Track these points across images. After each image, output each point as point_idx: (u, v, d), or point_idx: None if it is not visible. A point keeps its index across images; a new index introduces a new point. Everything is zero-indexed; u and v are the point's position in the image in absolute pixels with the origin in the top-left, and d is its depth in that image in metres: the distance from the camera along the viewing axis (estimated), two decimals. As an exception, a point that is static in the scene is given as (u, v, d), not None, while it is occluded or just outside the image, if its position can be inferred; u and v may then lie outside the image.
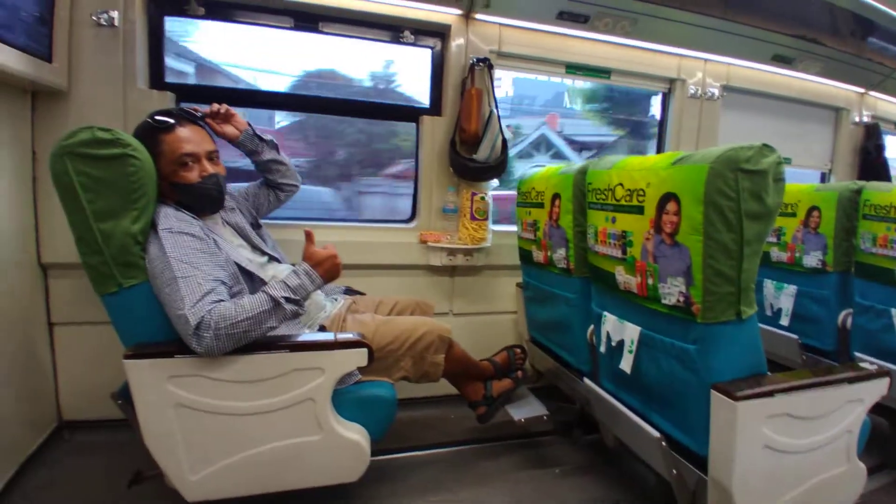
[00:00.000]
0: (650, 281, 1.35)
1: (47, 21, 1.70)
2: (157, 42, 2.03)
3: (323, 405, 1.36)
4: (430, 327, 1.62)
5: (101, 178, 1.20)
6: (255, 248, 1.62)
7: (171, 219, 1.31)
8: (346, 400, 1.44)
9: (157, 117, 1.41)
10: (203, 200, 1.46)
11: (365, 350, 1.37)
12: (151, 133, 1.38)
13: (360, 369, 1.45)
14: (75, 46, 1.82)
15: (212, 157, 1.47)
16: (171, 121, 1.41)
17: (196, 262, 1.25)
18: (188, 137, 1.42)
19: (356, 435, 1.42)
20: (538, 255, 2.03)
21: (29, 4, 1.58)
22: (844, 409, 1.34)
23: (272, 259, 1.66)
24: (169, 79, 2.08)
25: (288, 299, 1.29)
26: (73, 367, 2.00)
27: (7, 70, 1.48)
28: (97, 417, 1.98)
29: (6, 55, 1.46)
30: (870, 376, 1.36)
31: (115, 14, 1.84)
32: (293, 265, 1.72)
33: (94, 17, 1.82)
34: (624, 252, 1.44)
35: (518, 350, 2.06)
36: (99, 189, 1.20)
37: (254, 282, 1.45)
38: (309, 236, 1.45)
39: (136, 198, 1.25)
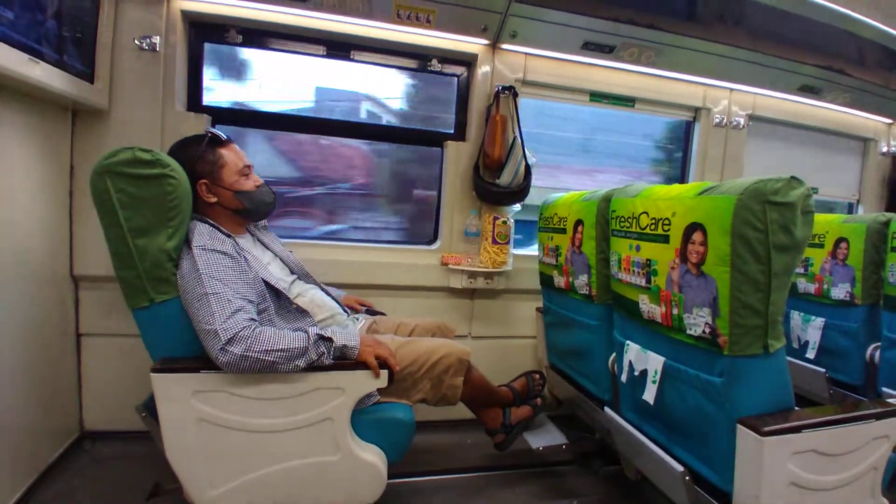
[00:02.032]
0: (675, 311, 1.34)
1: (90, 44, 1.78)
2: (195, 66, 2.12)
3: (342, 425, 1.36)
4: (449, 349, 1.61)
5: (140, 196, 1.25)
6: (283, 266, 1.66)
7: (204, 236, 1.35)
8: (364, 421, 1.44)
9: (215, 131, 1.51)
10: (262, 205, 1.58)
11: (385, 371, 1.38)
12: (211, 147, 1.48)
13: (379, 391, 1.45)
14: (117, 68, 1.90)
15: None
16: (225, 137, 1.52)
17: (227, 279, 1.28)
18: (239, 152, 1.55)
19: (373, 457, 1.42)
20: (559, 281, 2.02)
21: (72, 27, 1.66)
22: (871, 445, 1.31)
23: (298, 277, 1.69)
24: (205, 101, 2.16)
25: (322, 337, 1.32)
26: (97, 378, 2.03)
27: (48, 88, 1.55)
28: (118, 429, 2.01)
29: (48, 73, 1.53)
30: (897, 412, 1.32)
31: (156, 39, 1.93)
32: (318, 284, 1.75)
33: (136, 42, 1.91)
34: (648, 281, 1.43)
35: (537, 376, 2.04)
36: (137, 207, 1.25)
37: (280, 299, 1.47)
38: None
39: (172, 216, 1.29)
